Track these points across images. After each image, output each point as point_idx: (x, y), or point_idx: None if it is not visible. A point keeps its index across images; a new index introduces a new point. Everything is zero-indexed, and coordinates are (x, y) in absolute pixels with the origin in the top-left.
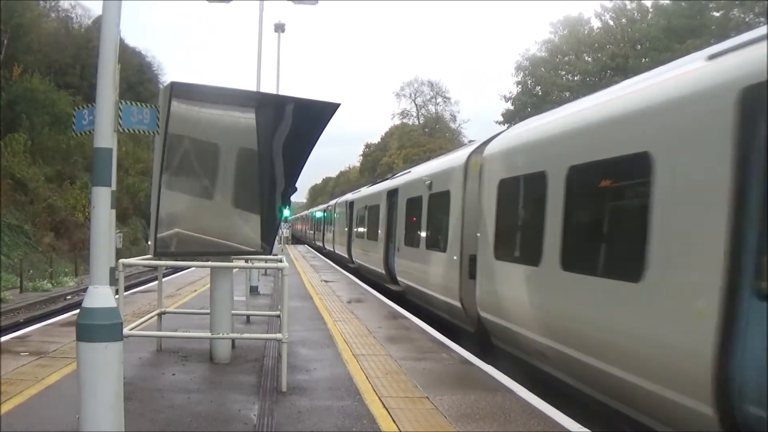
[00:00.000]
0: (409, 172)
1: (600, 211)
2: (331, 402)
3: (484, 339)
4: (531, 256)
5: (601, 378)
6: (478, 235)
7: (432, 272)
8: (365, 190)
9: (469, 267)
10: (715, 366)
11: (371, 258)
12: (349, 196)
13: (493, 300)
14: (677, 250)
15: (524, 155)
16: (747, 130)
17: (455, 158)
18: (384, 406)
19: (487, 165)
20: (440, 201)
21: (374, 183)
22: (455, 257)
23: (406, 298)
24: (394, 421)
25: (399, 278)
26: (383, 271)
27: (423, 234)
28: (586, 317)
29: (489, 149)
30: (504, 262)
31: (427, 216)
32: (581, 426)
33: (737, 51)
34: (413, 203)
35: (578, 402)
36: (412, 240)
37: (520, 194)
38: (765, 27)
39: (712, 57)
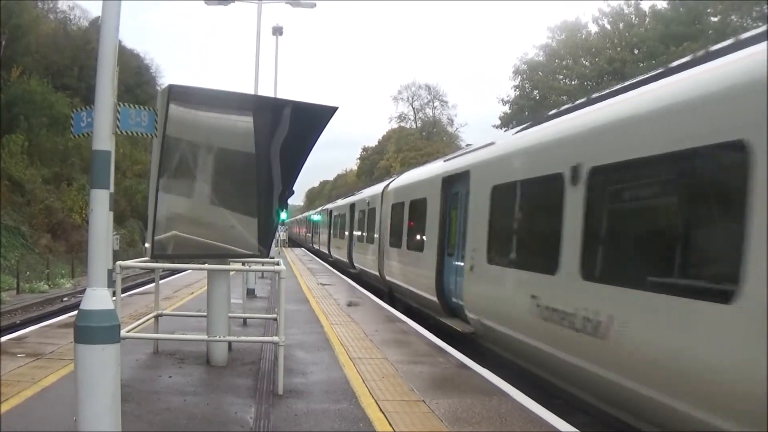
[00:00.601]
0: (362, 192)
1: (418, 222)
2: (327, 405)
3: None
4: (401, 242)
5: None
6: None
7: (371, 258)
8: (339, 201)
9: (379, 252)
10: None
11: (340, 252)
12: (328, 206)
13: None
14: None
15: (397, 192)
16: None
17: (378, 188)
18: (380, 410)
19: (386, 195)
20: (372, 214)
21: (345, 197)
22: (377, 248)
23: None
24: (390, 424)
25: (355, 263)
26: (346, 259)
27: (368, 234)
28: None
29: (388, 186)
30: (393, 248)
31: (366, 223)
32: (577, 429)
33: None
34: (363, 215)
35: (574, 406)
36: (362, 238)
37: (397, 213)
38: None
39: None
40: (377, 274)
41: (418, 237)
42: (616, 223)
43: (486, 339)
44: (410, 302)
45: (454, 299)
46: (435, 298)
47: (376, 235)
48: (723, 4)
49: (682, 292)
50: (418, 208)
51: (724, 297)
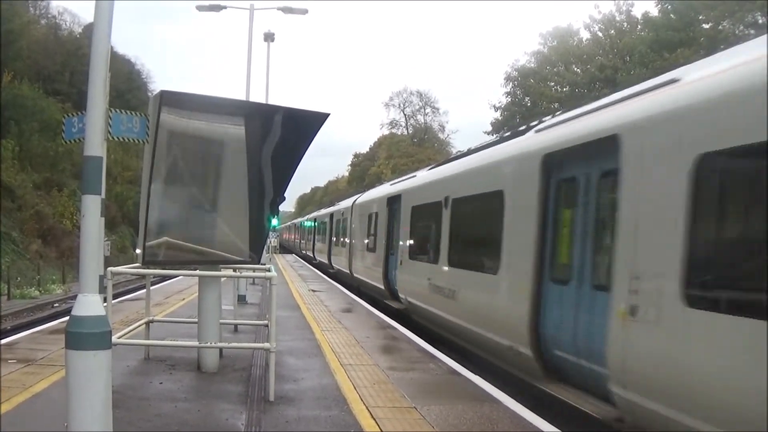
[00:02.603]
0: (338, 204)
1: (372, 230)
2: (318, 412)
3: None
4: (363, 245)
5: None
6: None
7: (344, 260)
8: (322, 211)
9: (349, 254)
10: None
11: (322, 255)
12: (312, 215)
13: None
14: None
15: (361, 206)
16: None
17: (349, 201)
18: (371, 416)
19: (354, 208)
20: (345, 223)
21: (327, 207)
22: (348, 251)
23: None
24: (381, 430)
25: (333, 264)
26: (327, 261)
27: (342, 239)
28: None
29: (356, 201)
30: (358, 251)
31: (341, 230)
32: None
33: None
34: (337, 224)
35: (566, 413)
36: (338, 243)
37: (361, 222)
38: None
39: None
40: (348, 272)
41: (373, 241)
42: (460, 232)
43: (412, 312)
44: (371, 293)
45: (394, 286)
46: (383, 287)
47: (347, 240)
48: (715, 10)
49: (483, 269)
50: (372, 219)
51: (493, 270)
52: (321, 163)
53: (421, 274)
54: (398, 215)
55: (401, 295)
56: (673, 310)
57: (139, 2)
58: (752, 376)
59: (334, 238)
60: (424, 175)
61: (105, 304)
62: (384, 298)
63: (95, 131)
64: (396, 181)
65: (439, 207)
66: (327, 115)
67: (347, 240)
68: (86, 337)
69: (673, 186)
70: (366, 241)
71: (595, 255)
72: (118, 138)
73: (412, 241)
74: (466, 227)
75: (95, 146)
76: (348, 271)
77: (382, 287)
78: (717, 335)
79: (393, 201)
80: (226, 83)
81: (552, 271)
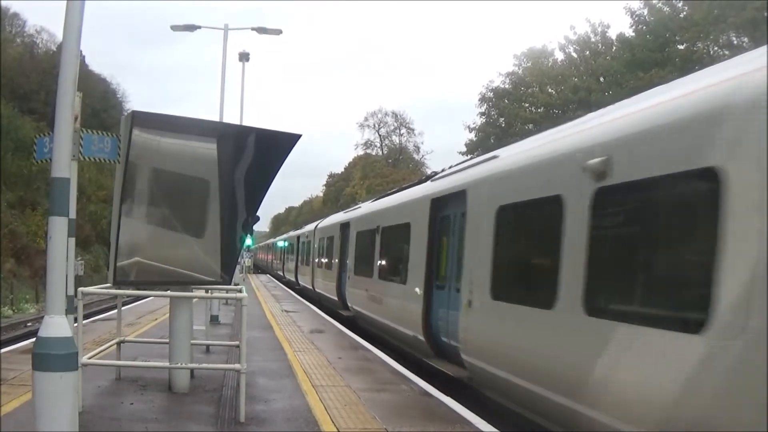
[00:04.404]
0: (303, 228)
1: (330, 251)
2: None
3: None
4: (322, 264)
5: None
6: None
7: (308, 278)
8: (291, 233)
9: (312, 271)
10: None
11: (290, 273)
12: (282, 237)
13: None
14: None
15: (322, 230)
16: None
17: (313, 225)
18: None
19: (316, 232)
20: (309, 245)
21: (295, 230)
22: (310, 269)
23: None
24: None
25: (300, 281)
26: (294, 278)
27: (306, 258)
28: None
29: (317, 226)
30: (319, 269)
31: (308, 251)
32: None
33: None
34: (303, 245)
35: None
36: (303, 261)
37: (321, 244)
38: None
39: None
40: (312, 288)
41: (330, 260)
42: (382, 253)
43: (359, 320)
44: (331, 306)
45: (344, 297)
46: (337, 299)
47: (310, 259)
48: (690, 31)
49: (400, 281)
50: (329, 241)
51: (403, 281)
52: (296, 184)
53: (361, 288)
54: (348, 238)
55: (351, 305)
56: (353, 277)
57: (114, 25)
58: (361, 293)
59: (300, 257)
60: (363, 208)
61: (76, 324)
62: (337, 308)
63: (62, 153)
64: (348, 210)
65: (373, 233)
66: (299, 136)
67: (310, 259)
68: (53, 358)
69: (353, 239)
70: (324, 261)
71: (348, 260)
72: (89, 158)
73: (357, 260)
74: (389, 249)
75: (62, 168)
76: (311, 287)
77: (336, 299)
78: (358, 283)
79: (344, 227)
80: (202, 104)
81: (343, 267)
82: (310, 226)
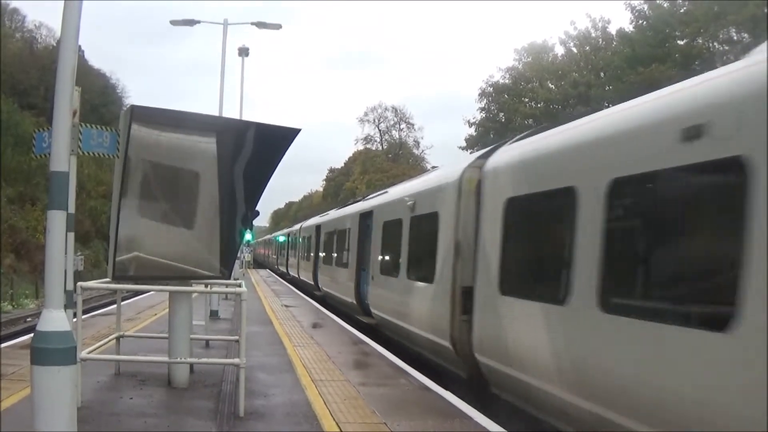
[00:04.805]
0: (292, 227)
1: (310, 247)
2: (288, 428)
3: None
4: (306, 258)
5: None
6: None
7: (298, 269)
8: (284, 230)
9: (297, 266)
10: None
11: (283, 266)
12: (277, 233)
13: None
14: None
15: (306, 229)
16: None
17: (298, 225)
18: None
19: (301, 230)
20: (295, 240)
21: (290, 227)
22: (296, 262)
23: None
24: None
25: (290, 272)
26: (286, 270)
27: (293, 252)
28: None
29: (303, 224)
30: (302, 261)
31: (294, 246)
32: None
33: None
34: (293, 240)
35: (536, 429)
36: (294, 255)
37: (305, 241)
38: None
39: None
40: (297, 276)
41: (309, 254)
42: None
43: (327, 299)
44: (312, 291)
45: (318, 282)
46: (314, 283)
47: (299, 253)
48: (690, 27)
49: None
50: (309, 239)
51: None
52: (296, 178)
53: (332, 276)
54: (321, 236)
55: (322, 287)
56: (323, 266)
57: (115, 22)
58: (331, 281)
59: (291, 252)
60: (333, 213)
61: (75, 319)
62: (314, 290)
63: (61, 147)
64: (323, 214)
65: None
66: (298, 130)
67: (299, 253)
68: (51, 352)
69: (323, 237)
70: (305, 255)
71: (320, 253)
72: (88, 153)
73: (324, 253)
74: (331, 246)
75: (61, 162)
76: (297, 276)
77: (313, 283)
78: (327, 271)
79: (319, 228)
80: (202, 100)
81: (318, 259)
82: (298, 225)
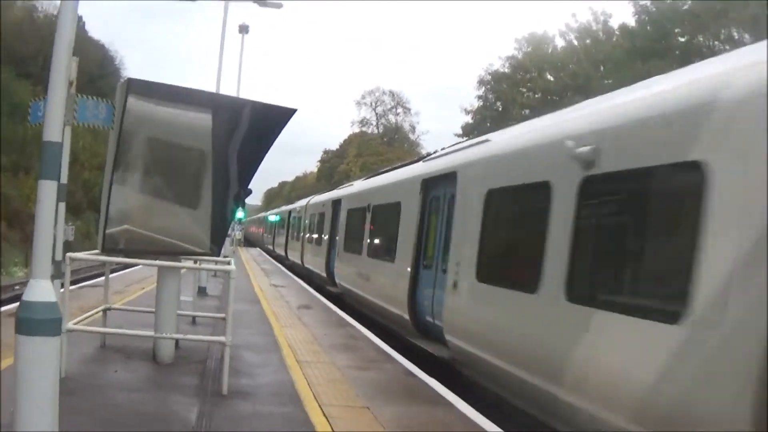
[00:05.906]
0: (294, 205)
1: (309, 227)
2: (271, 408)
3: None
4: (301, 238)
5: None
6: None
7: (294, 250)
8: (282, 207)
9: (286, 246)
10: None
11: (278, 247)
12: (270, 212)
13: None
14: None
15: (298, 209)
16: None
17: (290, 207)
18: (324, 414)
19: (293, 211)
20: (293, 220)
21: (286, 205)
22: (284, 241)
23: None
24: (332, 429)
25: (289, 255)
26: (274, 249)
27: (292, 232)
28: None
29: (310, 202)
30: (293, 241)
31: (289, 227)
32: None
33: None
34: (290, 219)
35: (519, 419)
36: (292, 236)
37: (299, 221)
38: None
39: None
40: (289, 257)
41: (311, 235)
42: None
43: (313, 278)
44: (302, 272)
45: (303, 262)
46: (300, 262)
47: (297, 234)
48: (691, 23)
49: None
50: (304, 220)
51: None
52: (291, 160)
53: (318, 260)
54: (315, 218)
55: (306, 265)
56: (312, 247)
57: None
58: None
59: (289, 231)
60: (321, 196)
61: (62, 290)
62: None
63: (55, 117)
64: (313, 196)
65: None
66: (294, 110)
67: (297, 234)
68: (36, 323)
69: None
70: (306, 235)
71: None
72: (83, 124)
73: (316, 236)
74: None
75: (54, 132)
76: (291, 258)
77: (300, 263)
78: (315, 252)
79: (314, 208)
80: (201, 78)
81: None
82: (299, 203)
